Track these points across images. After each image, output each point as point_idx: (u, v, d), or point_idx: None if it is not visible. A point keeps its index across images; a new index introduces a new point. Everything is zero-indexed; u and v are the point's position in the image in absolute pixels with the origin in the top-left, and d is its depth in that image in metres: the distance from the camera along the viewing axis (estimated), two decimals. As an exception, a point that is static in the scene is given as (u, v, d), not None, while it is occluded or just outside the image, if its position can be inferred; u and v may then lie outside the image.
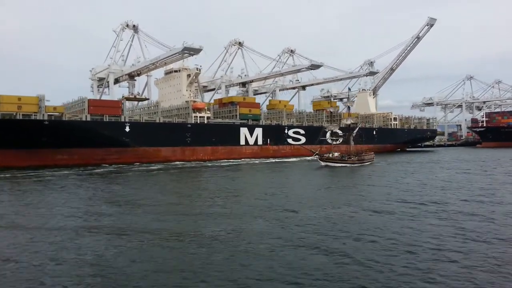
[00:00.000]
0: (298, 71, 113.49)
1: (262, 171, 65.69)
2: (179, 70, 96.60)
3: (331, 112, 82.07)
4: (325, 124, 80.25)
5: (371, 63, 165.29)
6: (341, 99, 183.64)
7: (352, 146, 71.50)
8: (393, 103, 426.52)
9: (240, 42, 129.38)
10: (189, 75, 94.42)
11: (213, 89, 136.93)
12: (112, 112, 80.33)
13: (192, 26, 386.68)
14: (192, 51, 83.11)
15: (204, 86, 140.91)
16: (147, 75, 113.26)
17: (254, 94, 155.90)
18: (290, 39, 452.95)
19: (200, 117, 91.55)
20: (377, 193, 36.67)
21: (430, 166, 70.86)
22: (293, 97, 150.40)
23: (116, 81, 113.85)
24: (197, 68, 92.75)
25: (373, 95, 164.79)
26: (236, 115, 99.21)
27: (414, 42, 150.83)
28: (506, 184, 42.26)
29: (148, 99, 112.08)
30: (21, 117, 71.88)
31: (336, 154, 68.67)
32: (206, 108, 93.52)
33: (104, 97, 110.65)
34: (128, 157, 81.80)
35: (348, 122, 75.91)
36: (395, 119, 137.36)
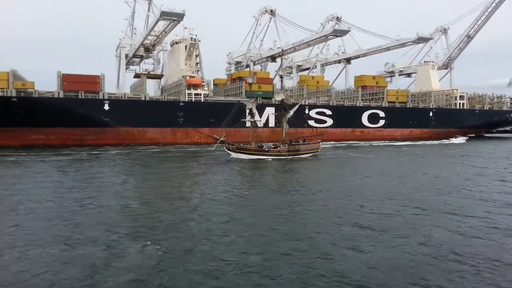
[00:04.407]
0: (326, 38, 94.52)
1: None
2: (180, 42, 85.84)
3: (249, 84, 63.52)
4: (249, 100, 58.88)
5: (444, 30, 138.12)
6: (408, 74, 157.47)
7: (285, 132, 53.30)
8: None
9: (272, 10, 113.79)
10: (186, 47, 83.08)
11: (248, 66, 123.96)
12: (88, 88, 72.82)
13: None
14: (173, 16, 71.19)
15: (238, 62, 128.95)
16: (163, 50, 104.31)
17: (299, 71, 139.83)
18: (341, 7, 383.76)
19: (195, 94, 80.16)
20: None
21: (438, 161, 51.02)
22: (340, 72, 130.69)
23: (141, 57, 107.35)
24: (191, 38, 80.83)
25: (448, 68, 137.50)
26: (242, 92, 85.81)
27: (497, 1, 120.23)
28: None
29: (162, 75, 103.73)
30: (-10, 94, 67.94)
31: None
32: (204, 84, 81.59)
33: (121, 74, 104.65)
34: (108, 138, 74.39)
35: (279, 99, 57.12)
36: (461, 97, 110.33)
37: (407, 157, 56.23)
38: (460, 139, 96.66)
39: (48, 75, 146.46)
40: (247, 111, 55.66)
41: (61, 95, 71.37)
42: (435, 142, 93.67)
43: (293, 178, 36.81)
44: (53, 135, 71.44)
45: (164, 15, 70.52)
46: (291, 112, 52.91)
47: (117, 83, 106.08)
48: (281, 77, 63.13)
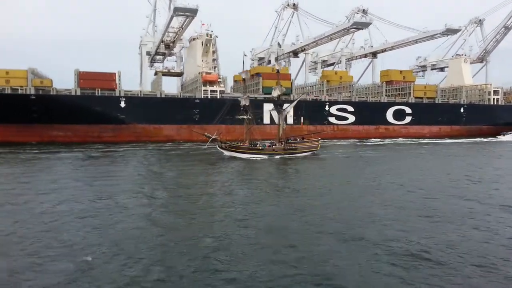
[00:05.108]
0: (347, 31, 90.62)
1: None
2: (197, 38, 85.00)
3: (243, 79, 60.70)
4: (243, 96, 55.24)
5: (479, 21, 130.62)
6: (442, 69, 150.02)
7: (282, 129, 50.32)
8: None
9: (294, 4, 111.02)
10: (203, 43, 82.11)
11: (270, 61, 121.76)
12: (105, 85, 73.29)
13: None
14: (186, 12, 70.20)
15: (261, 58, 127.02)
16: (184, 47, 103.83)
17: (324, 66, 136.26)
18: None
19: (211, 91, 79.11)
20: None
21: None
22: (366, 68, 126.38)
23: (164, 55, 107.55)
24: (207, 34, 79.63)
25: (483, 62, 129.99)
26: (260, 88, 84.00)
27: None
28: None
29: (183, 73, 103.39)
30: (9, 91, 69.42)
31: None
32: (220, 80, 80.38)
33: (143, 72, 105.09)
34: (125, 135, 74.76)
35: (275, 94, 54.10)
36: (495, 92, 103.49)
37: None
38: (510, 137, 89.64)
39: (67, 73, 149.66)
40: (250, 108, 53.61)
41: (78, 93, 72.14)
42: (483, 139, 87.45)
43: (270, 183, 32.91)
44: (71, 132, 72.40)
45: (177, 10, 69.83)
46: (288, 109, 50.57)
47: (140, 80, 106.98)
48: (277, 71, 60.78)
